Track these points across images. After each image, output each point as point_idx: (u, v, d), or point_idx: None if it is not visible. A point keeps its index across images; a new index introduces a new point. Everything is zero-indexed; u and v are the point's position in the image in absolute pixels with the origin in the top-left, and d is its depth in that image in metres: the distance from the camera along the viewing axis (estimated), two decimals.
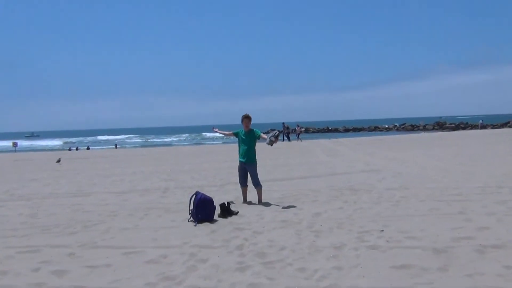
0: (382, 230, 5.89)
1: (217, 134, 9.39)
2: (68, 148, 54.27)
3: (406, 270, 4.35)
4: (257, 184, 8.41)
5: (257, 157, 8.51)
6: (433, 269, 4.34)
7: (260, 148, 8.62)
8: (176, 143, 64.93)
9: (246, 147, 8.36)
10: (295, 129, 43.28)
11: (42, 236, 6.26)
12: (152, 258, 4.98)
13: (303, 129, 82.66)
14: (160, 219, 7.24)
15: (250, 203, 8.46)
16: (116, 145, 58.43)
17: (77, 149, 49.56)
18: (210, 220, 6.88)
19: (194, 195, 7.05)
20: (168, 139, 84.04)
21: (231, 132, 8.95)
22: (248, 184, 8.59)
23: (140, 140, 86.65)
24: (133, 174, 15.21)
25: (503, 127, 62.05)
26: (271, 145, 8.03)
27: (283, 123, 42.65)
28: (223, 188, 10.90)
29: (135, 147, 56.89)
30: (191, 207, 6.97)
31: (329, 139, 44.44)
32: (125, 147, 57.89)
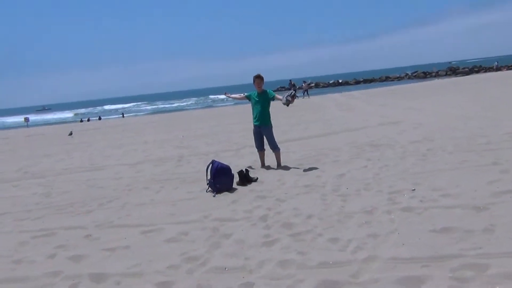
0: (414, 189, 5.51)
1: (229, 98, 8.99)
2: (80, 119, 54.27)
3: (449, 233, 3.98)
4: (274, 147, 8.02)
5: (270, 118, 8.10)
6: (478, 230, 3.97)
7: (272, 107, 8.16)
8: (186, 108, 64.53)
9: (259, 109, 7.92)
10: (301, 86, 42.36)
11: (57, 217, 6.01)
12: (172, 236, 4.69)
13: (313, 84, 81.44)
14: (177, 191, 6.94)
15: (268, 167, 8.11)
16: (123, 114, 57.94)
17: (88, 120, 49.49)
18: (230, 189, 6.56)
19: (211, 164, 6.70)
20: (176, 104, 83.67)
21: (243, 95, 8.50)
22: (265, 147, 8.22)
23: (149, 107, 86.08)
24: (145, 143, 14.95)
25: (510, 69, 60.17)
26: (287, 105, 7.58)
27: (290, 80, 41.81)
28: (239, 152, 10.56)
29: (145, 114, 56.63)
30: (209, 177, 6.64)
31: (341, 93, 43.58)
32: (136, 114, 57.65)
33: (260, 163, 8.32)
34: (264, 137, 8.09)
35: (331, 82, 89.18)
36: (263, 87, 8.02)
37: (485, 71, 65.56)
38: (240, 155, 10.13)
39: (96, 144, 16.69)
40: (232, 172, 6.79)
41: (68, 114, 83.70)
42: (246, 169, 7.10)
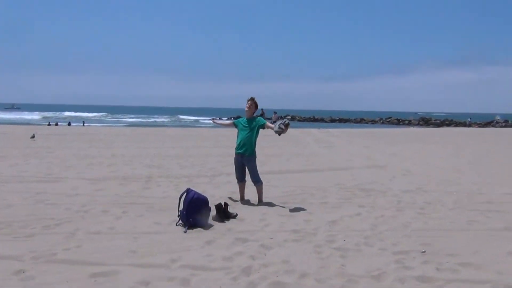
0: (424, 251, 4.67)
1: (217, 122, 8.10)
2: (47, 123, 51.99)
3: None
4: (257, 181, 7.10)
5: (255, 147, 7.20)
6: None
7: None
8: (160, 124, 62.93)
9: (245, 136, 7.02)
10: (271, 117, 41.33)
11: None
12: (130, 285, 3.65)
13: (288, 117, 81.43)
14: (142, 220, 5.90)
15: (248, 202, 7.18)
16: (84, 122, 55.39)
17: (56, 124, 47.36)
18: (204, 225, 5.57)
19: (185, 193, 5.70)
20: (152, 120, 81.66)
21: (231, 121, 7.62)
22: (246, 179, 7.29)
23: (127, 119, 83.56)
24: (113, 157, 13.75)
25: (486, 126, 61.78)
26: (279, 135, 6.70)
27: (262, 109, 40.47)
28: (214, 180, 9.57)
29: (117, 126, 54.76)
30: (181, 208, 5.64)
31: (318, 128, 43.22)
32: (105, 125, 55.68)
33: (239, 196, 7.38)
34: (246, 168, 7.16)
35: (307, 117, 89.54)
36: (255, 113, 7.15)
37: (456, 125, 67.20)
38: (216, 183, 9.15)
39: (59, 152, 15.34)
40: (210, 204, 5.81)
41: (36, 116, 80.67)
42: (225, 203, 6.13)
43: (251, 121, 7.05)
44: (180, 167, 11.57)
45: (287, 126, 6.60)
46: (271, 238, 5.08)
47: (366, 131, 39.27)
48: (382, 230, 5.54)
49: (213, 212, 5.94)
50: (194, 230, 5.40)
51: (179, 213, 5.63)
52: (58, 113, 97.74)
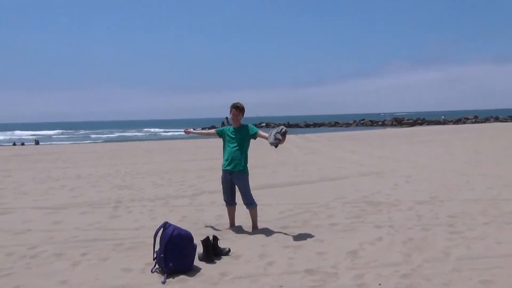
0: None
1: (193, 135, 6.73)
2: (13, 143, 49.26)
3: None
4: (250, 203, 5.77)
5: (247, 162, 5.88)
6: None
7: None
8: (133, 139, 60.57)
9: (234, 150, 5.68)
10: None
11: None
12: None
13: (263, 124, 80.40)
14: (106, 265, 4.50)
15: (241, 229, 5.87)
16: (36, 140, 52.04)
17: (22, 144, 44.85)
18: (189, 270, 4.23)
19: (162, 229, 4.35)
20: (130, 133, 78.40)
21: (213, 130, 6.28)
22: (236, 201, 5.97)
23: (95, 135, 80.00)
24: (78, 178, 12.20)
25: (457, 123, 62.21)
26: (276, 146, 5.41)
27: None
28: (196, 200, 8.22)
29: (86, 142, 52.34)
30: (157, 249, 4.29)
31: (296, 134, 42.27)
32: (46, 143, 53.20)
33: (228, 221, 6.06)
34: (236, 188, 5.85)
35: (281, 123, 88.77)
36: (242, 121, 5.86)
37: (427, 124, 67.68)
38: (198, 205, 7.79)
39: (17, 175, 13.66)
40: (195, 240, 4.48)
41: (2, 136, 76.87)
42: (214, 236, 4.79)
43: (239, 131, 5.75)
44: (155, 186, 10.16)
45: (284, 135, 5.32)
46: (281, 287, 3.79)
47: (345, 134, 38.47)
48: (420, 261, 4.31)
49: (199, 249, 4.62)
50: (176, 278, 4.06)
51: (155, 256, 4.27)
52: (9, 132, 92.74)
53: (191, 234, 4.36)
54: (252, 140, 5.80)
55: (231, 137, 5.76)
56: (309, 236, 5.35)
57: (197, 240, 4.75)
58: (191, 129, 6.56)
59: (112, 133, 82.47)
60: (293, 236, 5.37)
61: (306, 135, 40.51)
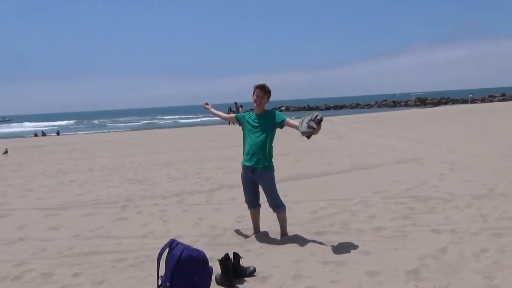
0: None
1: (211, 114, 5.71)
2: (34, 134, 49.23)
3: None
4: (277, 206, 4.75)
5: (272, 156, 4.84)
6: None
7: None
8: (150, 127, 60.08)
9: (257, 141, 4.66)
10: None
11: None
12: None
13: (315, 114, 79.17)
14: None
15: (267, 236, 4.88)
16: (57, 131, 51.23)
17: (44, 134, 44.77)
18: None
19: (168, 248, 3.37)
20: (143, 122, 77.82)
21: (232, 115, 5.24)
22: (260, 202, 4.97)
23: (112, 124, 79.46)
24: (90, 171, 11.40)
25: (483, 102, 59.74)
26: (309, 137, 4.36)
27: (235, 102, 33.35)
28: (214, 197, 7.26)
29: (103, 131, 52.01)
30: (161, 274, 3.33)
31: None
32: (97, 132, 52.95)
33: (252, 226, 5.08)
34: (260, 188, 4.84)
35: (301, 106, 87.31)
36: (266, 106, 4.81)
37: (453, 103, 65.44)
38: (216, 202, 6.83)
39: (28, 169, 12.97)
40: (210, 262, 3.50)
41: (26, 128, 77.22)
42: (235, 254, 3.80)
43: (263, 118, 4.71)
44: (169, 180, 9.25)
45: (320, 123, 4.26)
46: None
47: (369, 116, 37.01)
48: (509, 285, 3.26)
49: (217, 268, 3.65)
50: None
51: (160, 283, 3.31)
52: (50, 122, 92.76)
53: (204, 254, 3.37)
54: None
55: (252, 126, 4.73)
56: (352, 246, 4.32)
57: (214, 253, 3.80)
58: (210, 106, 5.54)
59: (130, 121, 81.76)
60: (332, 246, 4.35)
61: (329, 117, 39.17)
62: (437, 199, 6.07)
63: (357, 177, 8.26)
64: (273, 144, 4.74)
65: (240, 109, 30.34)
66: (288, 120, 4.60)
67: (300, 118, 4.50)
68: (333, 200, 6.41)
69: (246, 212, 5.28)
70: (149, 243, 4.85)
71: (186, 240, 4.80)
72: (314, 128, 4.17)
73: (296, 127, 4.39)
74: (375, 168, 9.13)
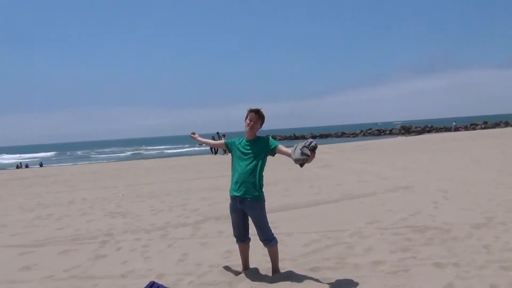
0: None
1: (199, 144, 5.41)
2: (16, 165, 48.13)
3: None
4: (268, 239, 4.40)
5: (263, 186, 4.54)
6: None
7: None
8: (135, 157, 59.10)
9: (246, 169, 4.35)
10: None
11: None
12: None
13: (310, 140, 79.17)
14: None
15: (257, 273, 4.51)
16: (40, 163, 49.83)
17: (27, 166, 43.80)
18: None
19: None
20: (129, 153, 76.45)
21: (222, 141, 4.92)
22: (249, 236, 4.63)
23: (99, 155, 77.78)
24: (70, 205, 10.90)
25: (466, 130, 60.58)
26: (302, 165, 4.09)
27: (217, 132, 34.48)
28: (200, 229, 6.88)
29: (85, 163, 51.08)
30: None
31: None
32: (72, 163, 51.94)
33: (240, 262, 4.70)
34: (250, 220, 4.51)
35: (287, 135, 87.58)
36: (258, 133, 4.53)
37: (436, 131, 66.31)
38: (202, 236, 6.45)
39: (5, 202, 12.39)
40: None
41: (8, 161, 75.52)
42: None
43: (255, 144, 4.42)
44: (153, 212, 8.85)
45: (314, 150, 4.00)
46: None
47: (355, 144, 37.03)
48: None
49: None
50: None
51: None
52: (44, 153, 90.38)
53: None
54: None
55: (243, 152, 4.43)
56: (351, 284, 3.99)
57: None
58: (197, 135, 5.25)
59: (114, 152, 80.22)
60: (329, 284, 4.01)
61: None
62: (435, 229, 5.79)
63: (348, 207, 7.98)
64: (263, 173, 4.45)
65: (222, 139, 30.32)
66: (281, 147, 4.32)
67: (291, 146, 4.23)
68: (326, 231, 6.09)
69: (235, 246, 4.93)
70: (129, 284, 4.45)
71: (169, 280, 4.42)
72: (308, 155, 3.90)
73: (288, 155, 4.12)
74: (366, 197, 8.87)
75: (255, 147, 4.37)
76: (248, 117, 4.36)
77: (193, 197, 10.52)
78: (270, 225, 4.46)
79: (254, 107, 4.39)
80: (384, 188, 9.95)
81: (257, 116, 4.34)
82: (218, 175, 15.51)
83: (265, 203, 4.46)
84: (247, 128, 4.38)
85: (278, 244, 4.50)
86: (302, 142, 4.03)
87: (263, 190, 4.43)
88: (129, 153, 73.86)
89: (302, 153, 3.89)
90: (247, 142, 4.44)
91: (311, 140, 4.04)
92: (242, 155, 4.40)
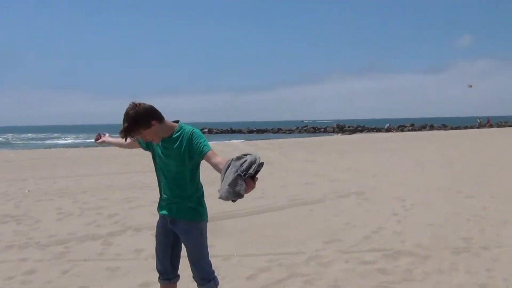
0: None
1: (109, 142, 3.79)
2: None
3: None
4: (205, 279, 2.95)
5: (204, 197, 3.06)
6: None
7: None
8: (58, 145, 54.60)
9: (174, 177, 2.92)
10: None
11: None
12: None
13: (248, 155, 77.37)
14: None
15: None
16: None
17: None
18: None
19: None
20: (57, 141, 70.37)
21: (132, 140, 3.34)
22: (178, 272, 3.18)
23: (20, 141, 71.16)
24: None
25: (396, 131, 62.47)
26: (234, 200, 2.40)
27: None
28: (113, 244, 5.33)
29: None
30: None
31: (241, 140, 39.81)
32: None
33: None
34: (183, 248, 3.06)
35: (224, 129, 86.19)
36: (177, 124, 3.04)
37: (368, 131, 67.78)
38: (113, 257, 4.90)
39: None
40: None
41: None
42: None
43: (173, 142, 2.94)
44: (59, 217, 7.14)
45: (256, 174, 2.44)
46: None
47: (293, 141, 36.41)
48: None
49: None
50: None
51: None
52: None
53: None
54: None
55: (163, 154, 2.96)
56: None
57: None
58: (106, 136, 3.68)
59: (31, 139, 73.59)
60: None
61: (254, 141, 38.02)
62: (409, 255, 4.67)
63: (298, 217, 6.76)
64: (199, 174, 3.02)
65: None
66: (211, 155, 2.81)
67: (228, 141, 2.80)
68: (276, 254, 4.78)
69: (155, 277, 3.46)
70: None
71: None
72: (241, 196, 2.42)
73: (219, 171, 2.61)
74: (316, 204, 7.71)
75: (175, 145, 2.86)
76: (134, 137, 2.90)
77: (113, 197, 8.86)
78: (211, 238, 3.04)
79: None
80: (333, 192, 8.86)
81: (139, 128, 2.84)
82: (148, 170, 13.78)
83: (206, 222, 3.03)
84: (152, 141, 2.94)
85: (216, 272, 3.09)
86: (238, 159, 2.44)
87: (204, 203, 3.00)
88: (49, 141, 67.76)
89: (234, 192, 2.39)
90: (164, 140, 2.93)
91: (252, 156, 2.42)
92: (163, 157, 2.93)
